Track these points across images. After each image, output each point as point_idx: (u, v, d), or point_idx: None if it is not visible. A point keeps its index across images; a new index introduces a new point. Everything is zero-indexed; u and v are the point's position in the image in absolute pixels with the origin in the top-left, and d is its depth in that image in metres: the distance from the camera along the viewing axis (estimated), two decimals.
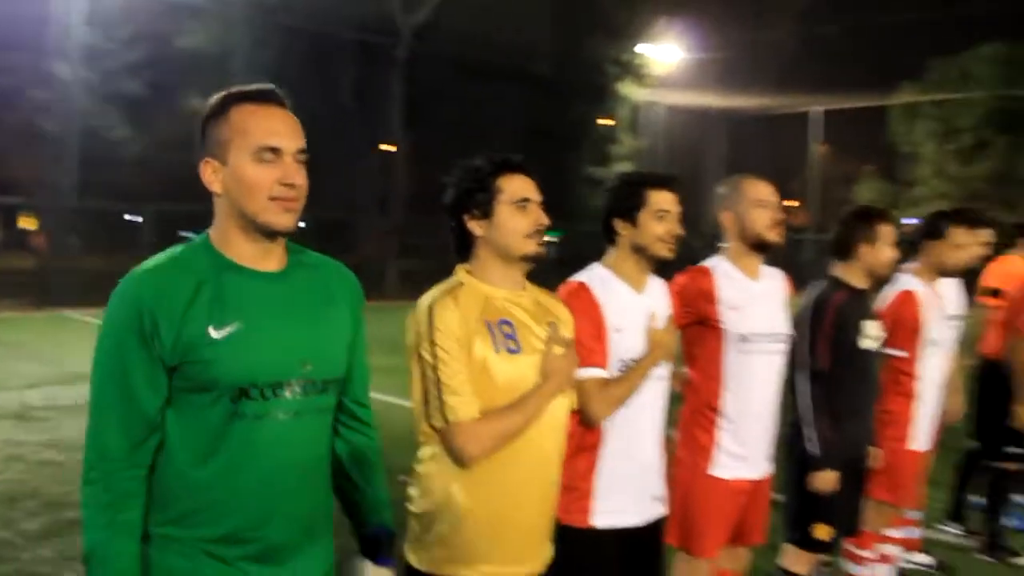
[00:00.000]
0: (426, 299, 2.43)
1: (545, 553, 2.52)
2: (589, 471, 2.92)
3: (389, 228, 29.21)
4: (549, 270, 3.34)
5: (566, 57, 31.14)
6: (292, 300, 1.97)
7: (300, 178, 1.95)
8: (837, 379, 3.73)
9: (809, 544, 3.81)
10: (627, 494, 2.98)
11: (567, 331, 2.57)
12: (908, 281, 4.37)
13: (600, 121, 32.59)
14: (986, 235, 4.72)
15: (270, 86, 2.00)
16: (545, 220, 2.50)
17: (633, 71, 32.76)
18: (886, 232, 3.89)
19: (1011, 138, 32.23)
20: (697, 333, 3.41)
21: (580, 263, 3.17)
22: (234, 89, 1.97)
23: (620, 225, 3.04)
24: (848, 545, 4.31)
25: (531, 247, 2.46)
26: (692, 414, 3.47)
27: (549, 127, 31.10)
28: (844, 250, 3.93)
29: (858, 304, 3.85)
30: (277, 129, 1.93)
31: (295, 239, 2.05)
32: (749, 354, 3.39)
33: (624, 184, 3.11)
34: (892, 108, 35.18)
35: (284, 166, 1.92)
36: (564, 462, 2.61)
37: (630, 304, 3.00)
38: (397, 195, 29.89)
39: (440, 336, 2.33)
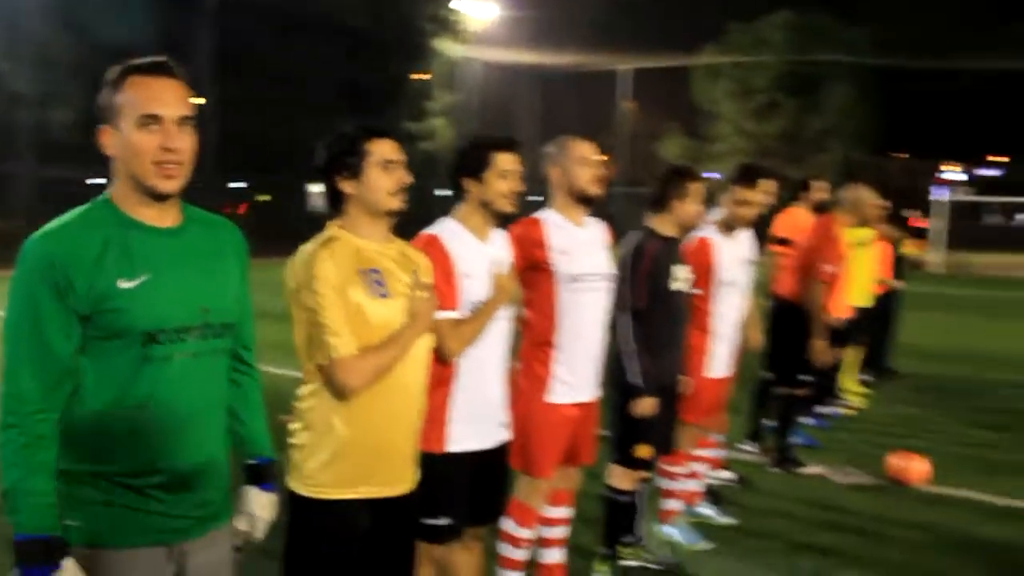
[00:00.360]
0: (304, 251, 2.69)
1: (413, 475, 2.86)
2: (444, 403, 3.27)
3: (200, 182, 28.30)
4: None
5: (383, 12, 30.86)
6: (189, 253, 2.20)
7: (181, 142, 2.14)
8: (652, 317, 4.23)
9: (632, 463, 4.32)
10: (477, 422, 3.35)
11: (427, 278, 2.89)
12: (706, 230, 4.94)
13: (416, 77, 32.60)
14: (767, 188, 5.35)
15: (163, 58, 2.19)
16: (408, 179, 2.79)
17: (449, 27, 32.90)
18: (695, 189, 4.40)
19: (800, 100, 34.66)
20: (532, 277, 3.79)
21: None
22: (132, 62, 2.16)
23: (468, 183, 3.37)
24: (663, 464, 4.88)
25: (396, 203, 2.76)
26: (530, 348, 3.87)
27: (366, 82, 30.86)
28: (659, 204, 4.41)
29: (669, 251, 4.35)
30: (159, 97, 2.13)
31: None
32: (578, 292, 3.82)
33: (472, 146, 3.44)
34: (695, 68, 37.00)
35: (165, 132, 2.12)
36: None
37: (477, 253, 3.35)
38: (207, 148, 28.89)
39: (319, 284, 2.61)
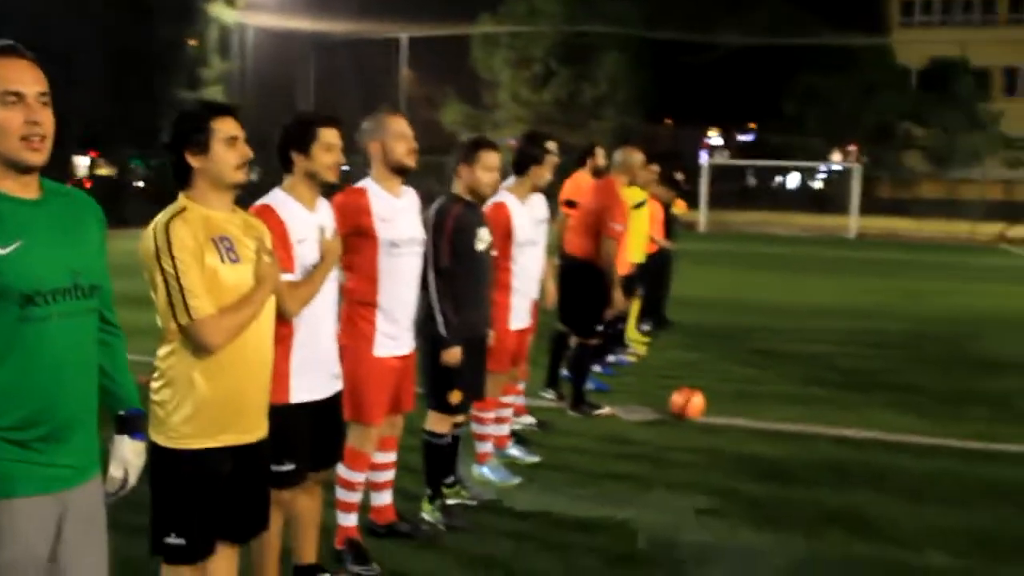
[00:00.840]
0: (158, 221, 2.84)
1: (265, 425, 3.08)
2: (285, 358, 3.50)
3: None
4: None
5: None
6: (55, 221, 2.32)
7: (42, 116, 2.27)
8: (458, 275, 4.59)
9: (446, 408, 4.69)
10: (314, 375, 3.60)
11: (268, 244, 3.10)
12: (502, 195, 5.35)
13: (189, 43, 31.30)
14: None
15: (10, 42, 2.30)
16: (249, 154, 2.99)
17: None
18: (488, 160, 4.73)
19: (574, 69, 36.08)
20: (355, 242, 4.06)
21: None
22: None
23: (296, 156, 3.59)
24: (474, 410, 5.29)
25: (240, 176, 2.96)
26: (353, 308, 4.14)
27: (136, 48, 29.27)
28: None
29: (472, 215, 4.72)
30: (18, 77, 2.24)
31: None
32: (398, 256, 4.13)
33: (298, 122, 3.65)
34: (474, 38, 37.62)
35: (27, 107, 2.24)
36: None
37: (306, 221, 3.59)
38: None
39: (176, 250, 2.78)
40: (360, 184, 4.16)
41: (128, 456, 2.59)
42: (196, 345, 2.82)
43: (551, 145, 5.82)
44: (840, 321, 12.04)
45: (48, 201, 2.34)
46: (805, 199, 42.21)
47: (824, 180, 45.46)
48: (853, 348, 10.10)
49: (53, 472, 2.29)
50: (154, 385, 2.91)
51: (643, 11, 36.99)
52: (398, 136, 4.12)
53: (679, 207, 11.33)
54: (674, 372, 8.50)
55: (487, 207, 5.13)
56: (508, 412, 5.77)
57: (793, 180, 48.16)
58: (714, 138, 43.88)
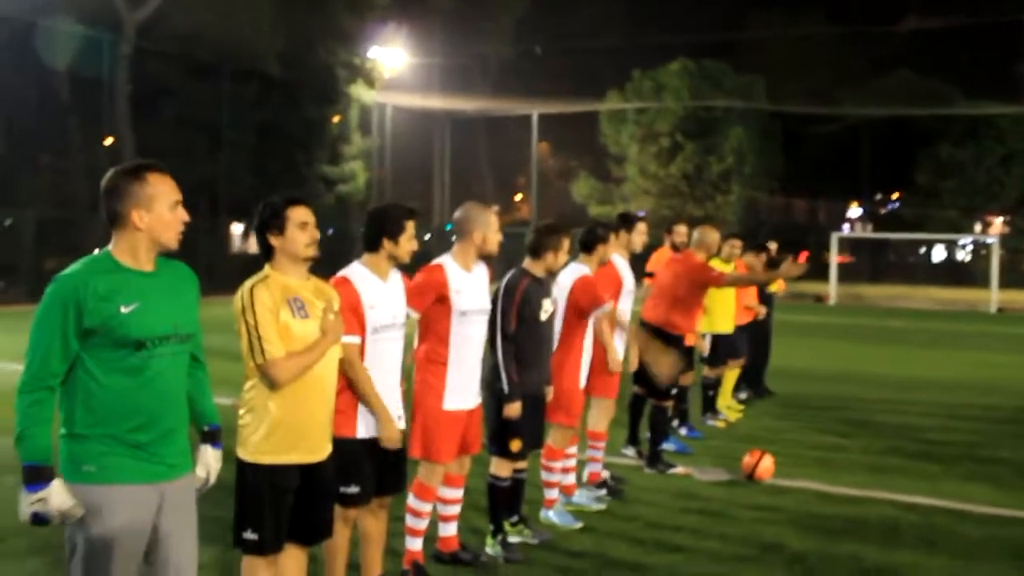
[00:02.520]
0: (246, 285, 3.61)
1: (327, 448, 3.75)
2: (354, 400, 4.19)
3: None
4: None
5: (297, 59, 31.66)
6: (164, 287, 3.10)
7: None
8: (522, 339, 5.22)
9: (508, 454, 5.27)
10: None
11: (336, 306, 3.81)
12: (581, 268, 5.99)
13: (333, 120, 33.42)
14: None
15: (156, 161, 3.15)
16: (317, 235, 3.72)
17: (363, 74, 33.85)
18: (566, 243, 5.41)
19: (700, 143, 36.56)
20: (434, 310, 4.75)
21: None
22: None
23: (386, 242, 4.31)
24: (543, 459, 5.87)
25: (309, 253, 3.68)
26: (425, 365, 4.81)
27: (281, 126, 31.51)
28: (536, 251, 5.40)
29: (539, 288, 5.35)
30: (175, 188, 3.11)
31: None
32: (467, 324, 4.80)
33: (386, 209, 4.40)
34: (602, 114, 38.69)
35: (182, 211, 3.14)
36: (338, 393, 3.88)
37: (380, 289, 4.31)
38: None
39: (258, 307, 3.55)
40: (438, 260, 4.85)
41: (210, 461, 3.34)
42: (268, 380, 3.53)
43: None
44: (949, 395, 11.92)
45: (160, 272, 3.11)
46: (942, 272, 40.93)
47: (963, 253, 44.06)
48: (953, 422, 10.06)
49: (156, 468, 3.04)
50: (240, 412, 3.63)
51: (769, 84, 37.27)
52: (495, 229, 4.85)
53: (779, 286, 11.52)
54: (758, 436, 8.79)
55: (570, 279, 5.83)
56: (573, 463, 6.27)
57: (934, 254, 46.81)
58: (852, 210, 43.36)
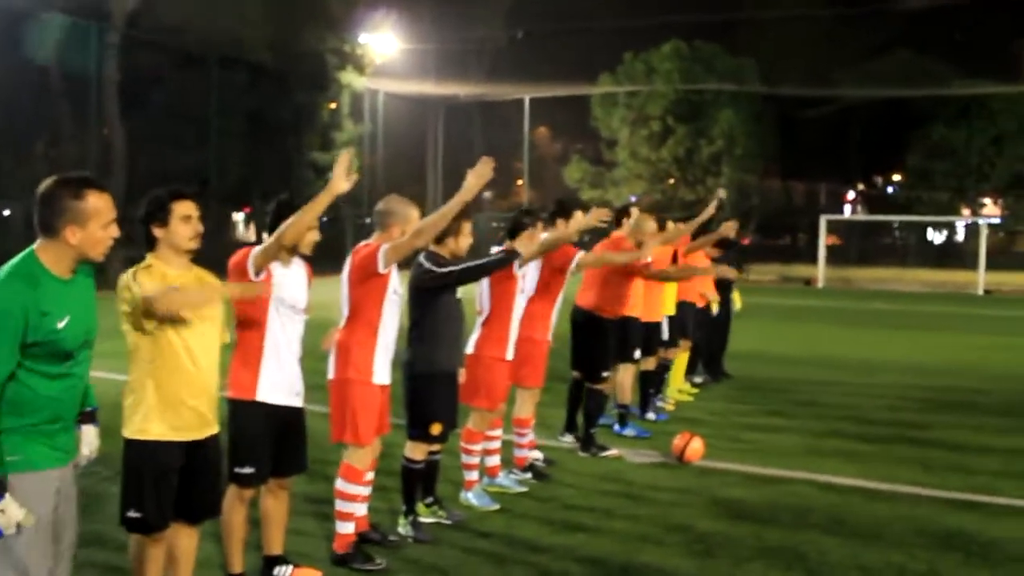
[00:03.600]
0: (129, 271, 3.77)
1: (212, 427, 3.91)
2: (256, 365, 4.41)
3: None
4: None
5: (286, 47, 31.72)
6: (81, 295, 3.30)
7: None
8: (436, 319, 5.38)
9: (426, 438, 5.44)
10: (278, 385, 4.44)
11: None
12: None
13: (324, 107, 33.50)
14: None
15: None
16: (200, 229, 3.86)
17: (353, 60, 33.90)
18: (467, 228, 5.55)
19: (691, 126, 36.53)
20: (363, 294, 4.93)
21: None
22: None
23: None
24: (462, 441, 6.06)
25: (191, 246, 3.84)
26: (350, 347, 4.94)
27: (271, 114, 31.62)
28: (439, 237, 5.53)
29: None
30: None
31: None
32: (393, 304, 4.98)
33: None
34: (593, 97, 38.67)
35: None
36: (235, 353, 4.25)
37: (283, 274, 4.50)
38: (115, 182, 29.36)
39: (139, 284, 3.69)
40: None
41: (92, 439, 3.60)
42: (152, 314, 3.63)
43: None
44: (909, 377, 12.07)
45: (76, 278, 3.31)
46: (933, 255, 40.91)
47: (955, 235, 44.03)
48: (901, 403, 10.21)
49: (61, 454, 3.31)
50: (124, 392, 3.81)
51: (761, 66, 37.20)
52: (414, 225, 5.02)
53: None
54: (702, 419, 8.97)
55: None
56: (496, 444, 6.44)
57: (927, 236, 46.79)
58: (848, 193, 43.32)
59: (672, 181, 37.34)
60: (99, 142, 29.60)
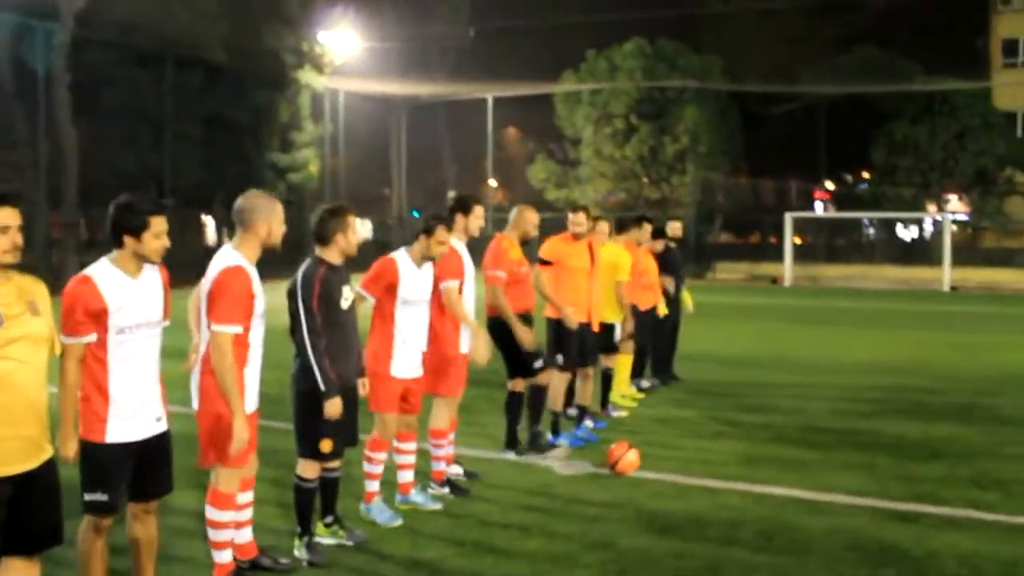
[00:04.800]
0: None
1: (40, 456, 3.51)
2: (104, 403, 3.96)
3: (66, 221, 28.18)
4: None
5: (242, 46, 31.16)
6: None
7: None
8: (328, 332, 4.99)
9: (317, 455, 5.05)
10: (131, 419, 4.03)
11: (41, 305, 3.55)
12: (398, 253, 5.77)
13: (283, 108, 32.96)
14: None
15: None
16: (19, 240, 3.46)
17: (312, 60, 33.39)
18: (353, 223, 5.17)
19: (655, 124, 36.25)
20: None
21: None
22: None
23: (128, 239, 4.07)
24: (366, 450, 5.70)
25: (7, 260, 3.44)
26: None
27: (229, 115, 31.03)
28: (323, 237, 5.14)
29: (336, 276, 5.10)
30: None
31: None
32: (259, 324, 4.60)
33: (128, 204, 4.14)
34: (557, 95, 38.29)
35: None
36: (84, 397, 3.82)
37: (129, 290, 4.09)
38: (67, 185, 28.69)
39: None
40: (232, 262, 4.54)
41: None
42: None
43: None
44: (863, 377, 11.81)
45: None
46: (899, 251, 40.88)
47: (919, 231, 44.06)
48: (852, 405, 9.91)
49: None
50: None
51: (724, 64, 37.00)
52: (280, 220, 4.64)
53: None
54: (642, 428, 8.63)
55: (379, 261, 5.62)
56: (408, 459, 6.05)
57: (892, 232, 46.81)
58: (817, 190, 43.22)
59: (638, 179, 37.03)
60: (51, 144, 28.89)
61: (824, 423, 8.99)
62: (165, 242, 4.15)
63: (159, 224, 4.06)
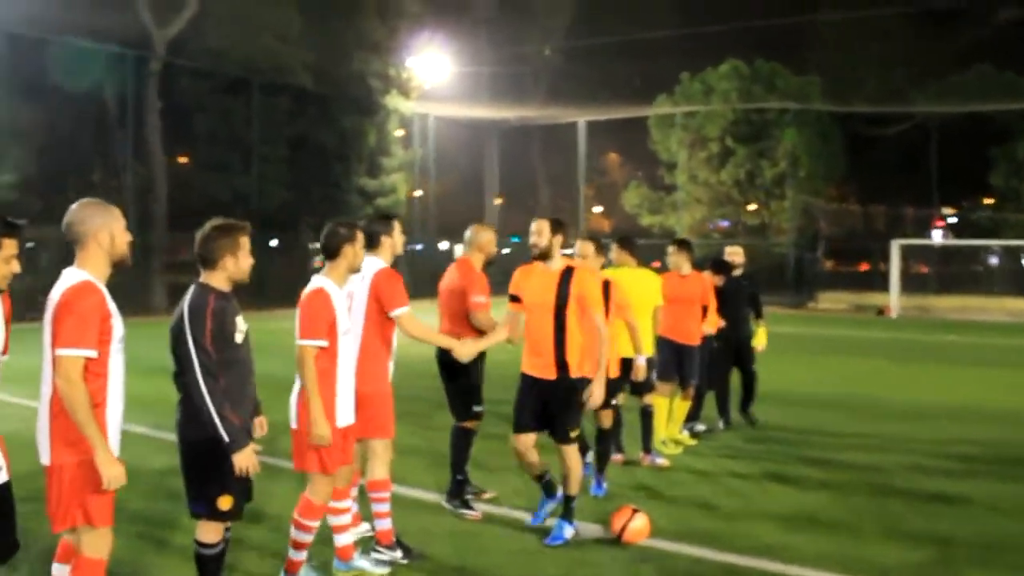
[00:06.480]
0: None
1: None
2: None
3: (152, 245, 28.51)
4: None
5: (328, 71, 31.18)
6: None
7: None
8: (224, 370, 4.14)
9: (216, 515, 4.23)
10: None
11: None
12: (320, 279, 4.87)
13: (371, 132, 32.80)
14: None
15: None
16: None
17: (398, 85, 33.16)
18: (245, 243, 4.30)
19: (751, 147, 34.61)
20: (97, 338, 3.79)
21: None
22: None
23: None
24: (296, 515, 4.84)
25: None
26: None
27: (315, 139, 31.06)
28: (208, 260, 4.28)
29: (228, 305, 4.26)
30: None
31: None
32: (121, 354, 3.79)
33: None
34: (651, 119, 37.04)
35: None
36: None
37: None
38: (157, 210, 29.08)
39: None
40: (85, 280, 3.80)
41: None
42: None
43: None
44: (965, 426, 10.28)
45: None
46: (1017, 281, 37.86)
47: None
48: (946, 462, 8.43)
49: None
50: None
51: (826, 83, 35.12)
52: (122, 227, 3.93)
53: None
54: (675, 481, 7.49)
55: (307, 293, 4.75)
56: (343, 520, 5.12)
57: (1017, 260, 43.52)
58: (933, 215, 40.58)
59: (735, 205, 35.38)
60: (143, 169, 29.39)
61: (898, 482, 7.66)
62: (14, 267, 3.74)
63: (10, 248, 3.64)
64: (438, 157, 38.24)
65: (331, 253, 4.94)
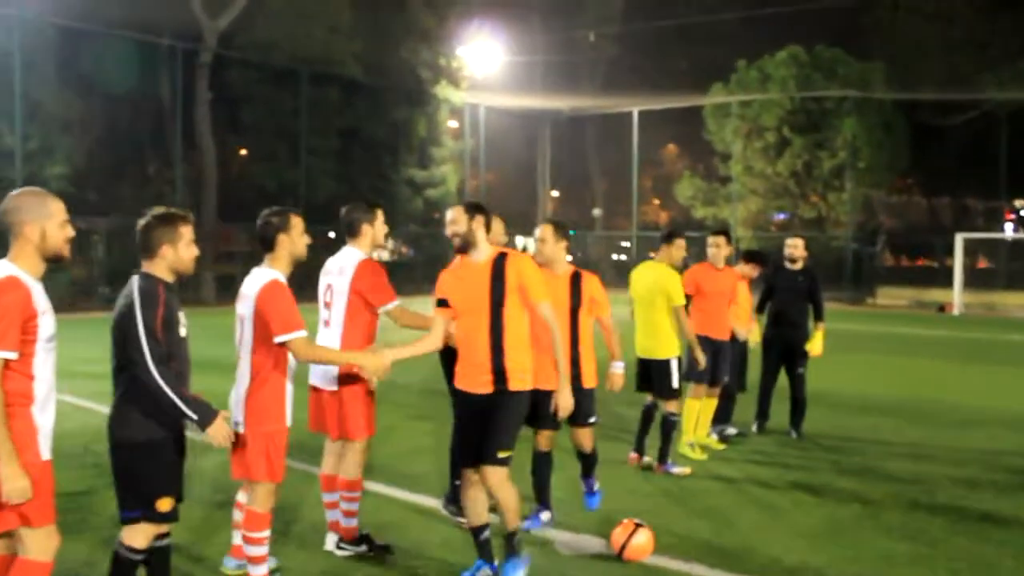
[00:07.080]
0: None
1: None
2: None
3: (202, 234, 28.68)
4: None
5: (377, 61, 31.05)
6: None
7: None
8: (173, 363, 3.97)
9: (153, 517, 3.99)
10: None
11: None
12: (268, 272, 4.59)
13: (421, 123, 32.60)
14: None
15: None
16: None
17: (448, 75, 32.86)
18: (187, 232, 4.00)
19: (809, 137, 33.53)
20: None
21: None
22: None
23: None
24: (241, 529, 4.62)
25: None
26: (14, 409, 3.55)
27: (365, 130, 30.97)
28: (147, 248, 4.01)
29: (174, 297, 4.07)
30: None
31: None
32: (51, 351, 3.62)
33: None
34: (706, 108, 36.14)
35: None
36: None
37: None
38: (207, 199, 29.25)
39: None
40: (11, 274, 3.54)
41: None
42: None
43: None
44: (1016, 434, 9.61)
45: None
46: None
47: None
48: (996, 474, 7.81)
49: None
50: None
51: (890, 71, 33.81)
52: (59, 222, 3.68)
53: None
54: (690, 490, 7.00)
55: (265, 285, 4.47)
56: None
57: None
58: (1005, 208, 39.12)
59: (792, 197, 34.34)
60: (192, 160, 29.61)
61: (940, 497, 7.06)
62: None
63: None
64: (489, 148, 37.86)
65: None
